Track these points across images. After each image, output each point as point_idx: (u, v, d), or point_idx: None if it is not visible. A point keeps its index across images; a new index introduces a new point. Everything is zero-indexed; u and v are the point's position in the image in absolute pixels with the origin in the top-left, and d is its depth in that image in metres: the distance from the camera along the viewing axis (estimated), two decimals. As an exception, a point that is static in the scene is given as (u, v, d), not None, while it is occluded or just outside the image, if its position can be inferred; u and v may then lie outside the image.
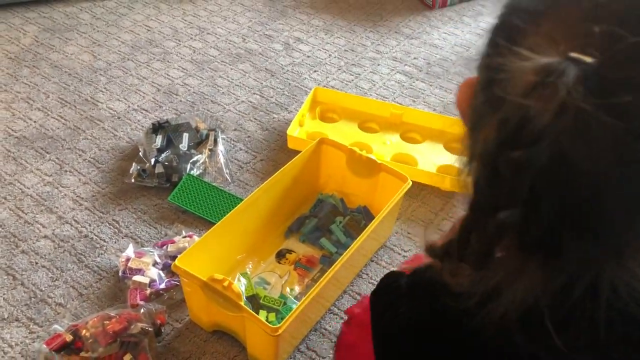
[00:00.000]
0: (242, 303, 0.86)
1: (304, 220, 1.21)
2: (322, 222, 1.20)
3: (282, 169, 1.12)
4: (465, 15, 1.89)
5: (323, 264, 1.13)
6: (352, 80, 1.64)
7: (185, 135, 1.33)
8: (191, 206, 1.21)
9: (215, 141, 1.34)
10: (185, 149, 1.31)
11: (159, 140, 1.32)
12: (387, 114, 1.43)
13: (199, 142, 1.34)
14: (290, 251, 1.16)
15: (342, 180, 1.23)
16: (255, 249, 1.14)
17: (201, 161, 1.30)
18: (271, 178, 1.10)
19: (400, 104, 1.53)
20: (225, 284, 0.87)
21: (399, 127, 1.42)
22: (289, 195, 1.17)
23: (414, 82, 1.63)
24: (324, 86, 1.59)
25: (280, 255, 1.15)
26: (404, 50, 1.77)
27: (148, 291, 1.05)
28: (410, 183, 1.11)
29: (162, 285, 1.06)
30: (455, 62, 1.68)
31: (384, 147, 1.37)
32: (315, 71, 1.65)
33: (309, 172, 1.22)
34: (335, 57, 1.72)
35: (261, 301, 1.03)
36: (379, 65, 1.70)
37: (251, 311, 0.87)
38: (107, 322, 0.96)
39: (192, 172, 1.27)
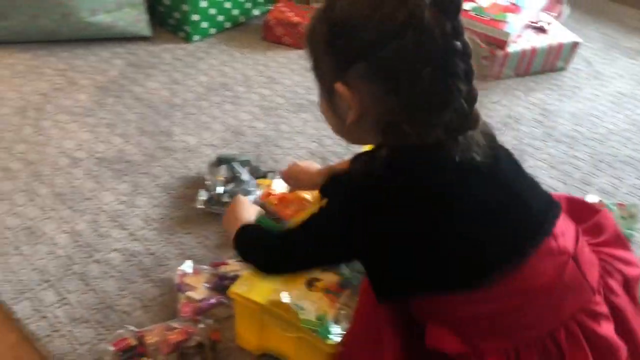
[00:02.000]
0: (301, 324, 0.94)
1: None
2: None
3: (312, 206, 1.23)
4: (517, 89, 1.99)
5: (342, 287, 1.21)
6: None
7: (246, 170, 1.45)
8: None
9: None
10: (248, 181, 1.42)
11: (222, 171, 1.44)
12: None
13: (257, 177, 1.46)
14: (318, 279, 1.24)
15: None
16: (287, 277, 1.22)
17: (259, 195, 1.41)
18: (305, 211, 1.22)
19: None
20: (285, 307, 0.96)
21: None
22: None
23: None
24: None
25: (310, 284, 1.23)
26: (456, 115, 1.87)
27: (197, 306, 1.14)
28: None
29: (212, 301, 1.16)
30: (504, 131, 1.77)
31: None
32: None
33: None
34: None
35: (300, 324, 1.11)
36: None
37: (310, 331, 0.95)
38: (169, 332, 1.06)
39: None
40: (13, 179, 1.42)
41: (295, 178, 1.27)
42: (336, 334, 1.03)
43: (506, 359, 0.73)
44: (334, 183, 0.84)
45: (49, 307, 1.14)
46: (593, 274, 0.78)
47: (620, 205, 1.47)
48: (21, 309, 1.13)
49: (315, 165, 1.27)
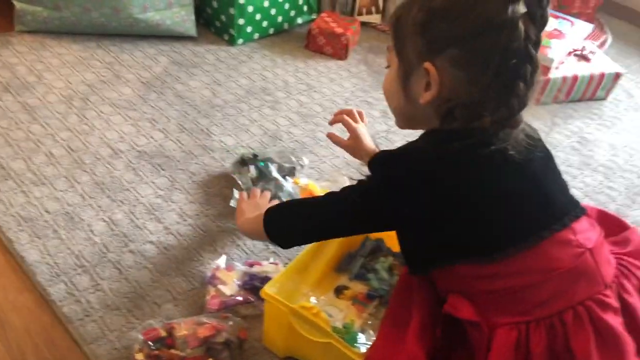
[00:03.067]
0: (330, 330, 0.95)
1: (351, 259, 1.29)
2: (368, 261, 1.28)
3: None
4: (557, 116, 1.98)
5: (369, 299, 1.21)
6: (441, 156, 1.74)
7: (274, 167, 1.47)
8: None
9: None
10: (278, 178, 1.44)
11: (252, 170, 1.46)
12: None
13: (283, 175, 1.47)
14: (347, 287, 1.25)
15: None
16: (319, 284, 1.23)
17: (293, 191, 1.43)
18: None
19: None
20: (315, 311, 0.97)
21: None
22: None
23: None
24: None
25: (338, 291, 1.24)
26: (493, 137, 1.87)
27: (224, 301, 1.16)
28: None
29: (240, 298, 1.17)
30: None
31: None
32: (407, 140, 1.77)
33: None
34: (427, 132, 1.84)
35: (328, 329, 1.12)
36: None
37: (338, 337, 0.96)
38: (198, 327, 1.07)
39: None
40: (55, 164, 1.46)
41: (356, 137, 1.29)
42: (362, 343, 1.04)
43: (516, 332, 0.78)
44: (386, 155, 0.91)
45: (82, 292, 1.17)
46: (608, 270, 0.83)
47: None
48: (56, 292, 1.16)
49: (367, 139, 1.30)
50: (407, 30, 0.83)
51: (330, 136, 1.34)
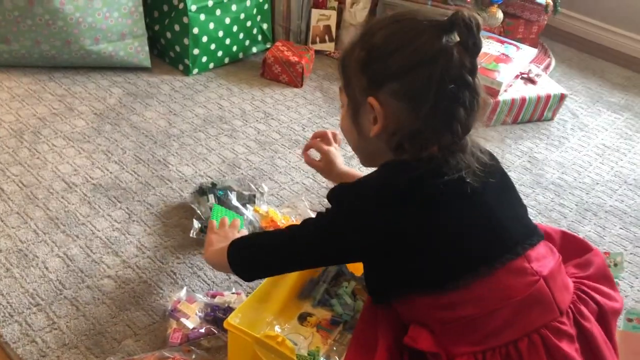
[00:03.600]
0: (295, 358, 0.94)
1: (314, 285, 1.29)
2: (331, 286, 1.28)
3: None
4: (507, 136, 2.05)
5: (333, 324, 1.21)
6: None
7: (233, 195, 1.47)
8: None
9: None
10: (238, 206, 1.44)
11: (211, 199, 1.45)
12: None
13: (243, 204, 1.47)
14: (310, 314, 1.24)
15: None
16: (281, 312, 1.22)
17: (253, 218, 1.43)
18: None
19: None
20: (279, 339, 0.96)
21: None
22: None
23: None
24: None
25: (302, 318, 1.24)
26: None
27: (186, 334, 1.14)
28: None
29: (202, 330, 1.15)
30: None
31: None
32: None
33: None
34: (384, 156, 1.87)
35: (294, 358, 1.11)
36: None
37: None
38: (161, 361, 1.05)
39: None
40: (7, 200, 1.42)
41: (328, 160, 1.31)
42: (328, 369, 1.04)
43: None
44: (342, 187, 0.93)
45: (38, 332, 1.13)
46: (564, 297, 0.86)
47: (606, 253, 1.50)
48: (10, 332, 1.12)
49: (339, 161, 1.32)
50: (352, 69, 0.88)
51: (305, 157, 1.34)
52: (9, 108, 1.75)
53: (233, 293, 1.24)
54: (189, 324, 1.15)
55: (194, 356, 1.08)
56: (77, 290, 1.22)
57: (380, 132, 0.86)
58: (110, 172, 1.57)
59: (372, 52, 0.85)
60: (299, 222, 1.41)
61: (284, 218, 1.46)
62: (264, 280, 1.14)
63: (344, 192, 0.91)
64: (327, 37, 2.38)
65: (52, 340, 1.12)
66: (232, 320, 1.03)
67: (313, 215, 1.51)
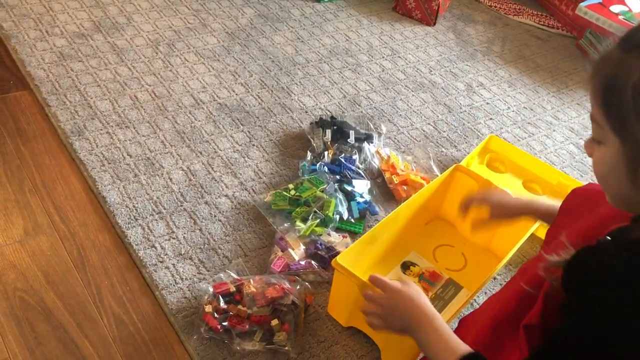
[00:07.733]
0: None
1: None
2: None
3: (420, 190, 1.24)
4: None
5: (438, 278, 1.18)
6: (525, 138, 1.67)
7: (352, 132, 1.45)
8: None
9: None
10: (353, 143, 1.42)
11: (329, 133, 1.44)
12: (554, 182, 1.45)
13: (359, 143, 1.45)
14: (414, 264, 1.23)
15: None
16: (384, 258, 1.22)
17: (368, 157, 1.42)
18: (412, 197, 1.22)
19: (567, 174, 1.55)
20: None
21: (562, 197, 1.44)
22: (417, 213, 1.26)
23: (585, 158, 1.64)
24: (497, 135, 1.64)
25: (405, 267, 1.23)
26: (582, 123, 1.77)
27: (287, 264, 1.16)
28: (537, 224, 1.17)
29: (303, 263, 1.18)
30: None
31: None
32: (490, 119, 1.71)
33: (437, 196, 1.30)
34: (513, 111, 1.76)
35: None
36: (554, 131, 1.72)
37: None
38: (267, 286, 1.09)
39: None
40: (139, 108, 1.49)
41: (498, 205, 1.10)
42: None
43: None
44: (591, 262, 0.68)
45: (158, 238, 1.20)
46: None
47: None
48: (133, 234, 1.20)
49: (508, 195, 1.13)
50: (633, 101, 0.60)
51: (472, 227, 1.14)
52: (147, 18, 1.81)
53: (339, 235, 1.25)
54: (294, 255, 1.18)
55: (298, 287, 1.10)
56: (196, 205, 1.28)
57: None
58: (236, 94, 1.60)
59: None
60: (418, 173, 1.38)
61: (404, 165, 1.43)
62: (375, 225, 1.14)
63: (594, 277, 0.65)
64: (468, -25, 2.23)
65: (170, 248, 1.19)
66: (342, 259, 1.04)
67: (436, 169, 1.45)
